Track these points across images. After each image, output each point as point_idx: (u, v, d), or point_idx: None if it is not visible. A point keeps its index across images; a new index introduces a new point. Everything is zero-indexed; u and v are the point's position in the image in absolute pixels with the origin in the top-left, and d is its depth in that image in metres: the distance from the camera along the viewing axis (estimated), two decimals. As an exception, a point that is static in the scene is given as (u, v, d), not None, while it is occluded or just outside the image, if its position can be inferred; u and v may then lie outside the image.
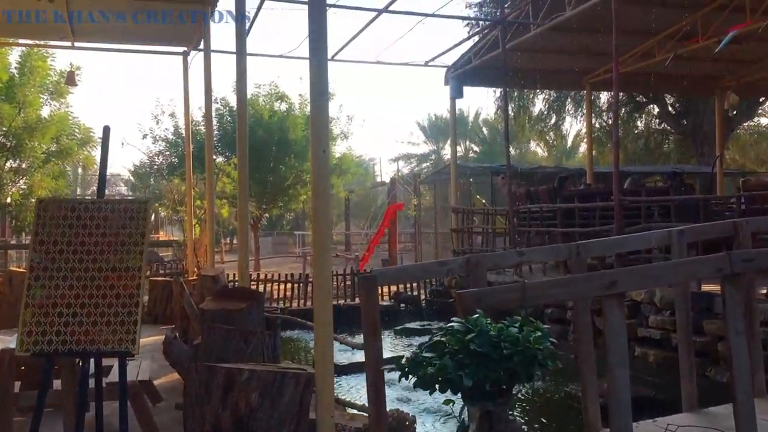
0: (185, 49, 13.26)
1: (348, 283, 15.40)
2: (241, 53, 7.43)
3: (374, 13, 12.08)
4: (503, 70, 13.50)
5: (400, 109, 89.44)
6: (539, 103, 25.36)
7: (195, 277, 12.81)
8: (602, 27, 12.81)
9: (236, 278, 13.21)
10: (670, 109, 23.37)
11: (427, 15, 12.21)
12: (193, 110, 15.06)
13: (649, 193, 11.04)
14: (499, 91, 22.53)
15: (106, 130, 5.18)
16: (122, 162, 76.74)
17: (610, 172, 20.58)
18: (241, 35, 7.52)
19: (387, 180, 42.37)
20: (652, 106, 24.17)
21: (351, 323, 13.98)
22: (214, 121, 25.97)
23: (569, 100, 24.74)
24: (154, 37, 12.56)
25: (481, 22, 18.58)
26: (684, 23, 13.22)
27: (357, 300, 15.19)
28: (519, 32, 13.64)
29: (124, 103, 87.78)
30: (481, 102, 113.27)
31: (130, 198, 13.04)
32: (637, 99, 23.85)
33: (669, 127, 24.17)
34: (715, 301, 8.01)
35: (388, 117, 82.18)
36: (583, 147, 38.43)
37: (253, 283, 14.54)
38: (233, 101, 25.27)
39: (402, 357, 3.36)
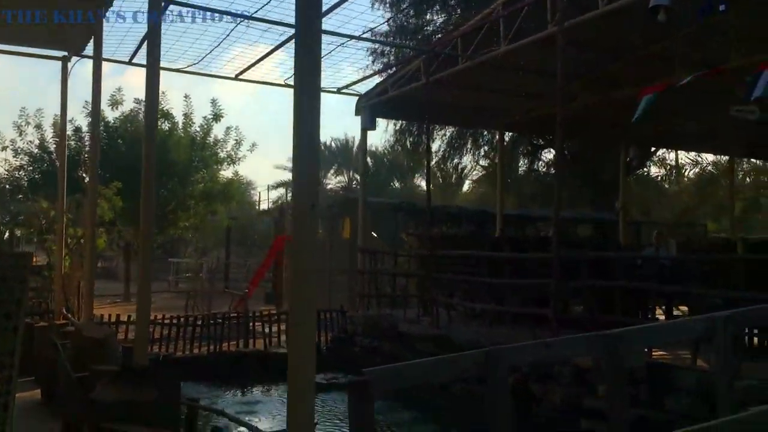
0: (66, 53, 11.40)
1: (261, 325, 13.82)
2: (152, 62, 5.94)
3: (289, 33, 10.81)
4: (422, 102, 12.77)
5: (282, 134, 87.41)
6: (438, 140, 24.84)
7: (63, 321, 10.89)
8: (532, 66, 12.34)
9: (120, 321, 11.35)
10: (566, 153, 23.46)
11: (352, 37, 11.11)
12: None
13: (581, 245, 10.40)
14: (399, 123, 21.77)
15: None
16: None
17: (516, 215, 20.29)
18: (155, 38, 6.06)
19: (266, 208, 40.69)
20: (548, 149, 24.24)
21: (248, 375, 12.46)
22: (87, 138, 23.61)
23: (470, 138, 24.35)
24: (29, 37, 10.69)
25: (390, 55, 17.76)
26: (611, 69, 12.90)
27: (252, 347, 13.63)
28: (440, 66, 12.86)
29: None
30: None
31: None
32: (534, 141, 23.83)
33: (568, 172, 24.26)
34: (675, 374, 7.26)
35: (270, 141, 79.92)
36: (467, 184, 38.56)
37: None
38: (109, 115, 23.07)
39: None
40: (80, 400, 4.99)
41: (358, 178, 49.98)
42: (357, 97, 14.61)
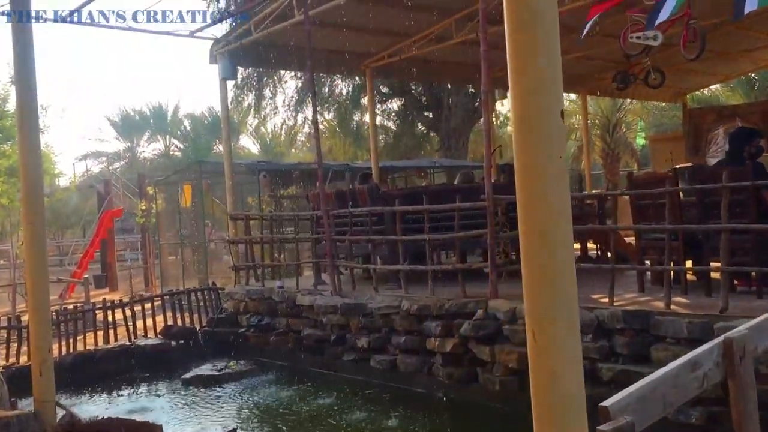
0: None
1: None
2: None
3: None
4: (286, 47, 11.28)
5: (88, 99, 79.27)
6: (281, 93, 23.11)
7: None
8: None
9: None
10: (418, 101, 22.79)
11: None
12: None
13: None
14: (243, 74, 19.67)
15: None
16: None
17: (381, 167, 19.27)
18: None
19: (77, 181, 36.57)
20: (397, 98, 23.42)
21: (115, 376, 10.51)
22: None
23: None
24: None
25: None
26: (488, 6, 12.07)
27: (115, 341, 11.55)
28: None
29: None
30: (182, 94, 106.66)
31: None
32: (381, 89, 22.89)
33: (416, 120, 23.64)
34: (655, 320, 6.61)
35: (73, 108, 72.11)
36: (300, 140, 37.13)
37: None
38: None
39: None
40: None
41: (177, 143, 46.84)
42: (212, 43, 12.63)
